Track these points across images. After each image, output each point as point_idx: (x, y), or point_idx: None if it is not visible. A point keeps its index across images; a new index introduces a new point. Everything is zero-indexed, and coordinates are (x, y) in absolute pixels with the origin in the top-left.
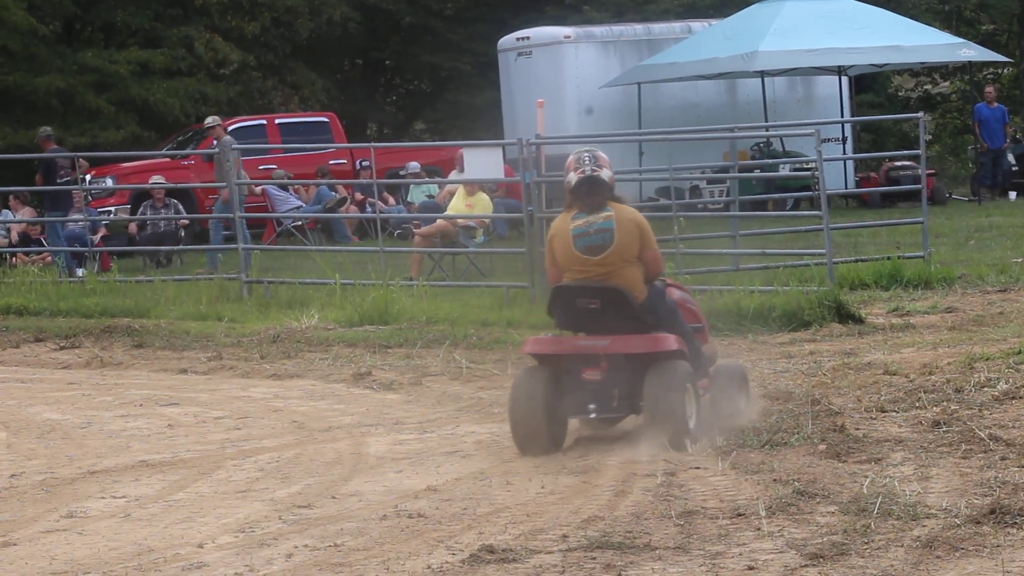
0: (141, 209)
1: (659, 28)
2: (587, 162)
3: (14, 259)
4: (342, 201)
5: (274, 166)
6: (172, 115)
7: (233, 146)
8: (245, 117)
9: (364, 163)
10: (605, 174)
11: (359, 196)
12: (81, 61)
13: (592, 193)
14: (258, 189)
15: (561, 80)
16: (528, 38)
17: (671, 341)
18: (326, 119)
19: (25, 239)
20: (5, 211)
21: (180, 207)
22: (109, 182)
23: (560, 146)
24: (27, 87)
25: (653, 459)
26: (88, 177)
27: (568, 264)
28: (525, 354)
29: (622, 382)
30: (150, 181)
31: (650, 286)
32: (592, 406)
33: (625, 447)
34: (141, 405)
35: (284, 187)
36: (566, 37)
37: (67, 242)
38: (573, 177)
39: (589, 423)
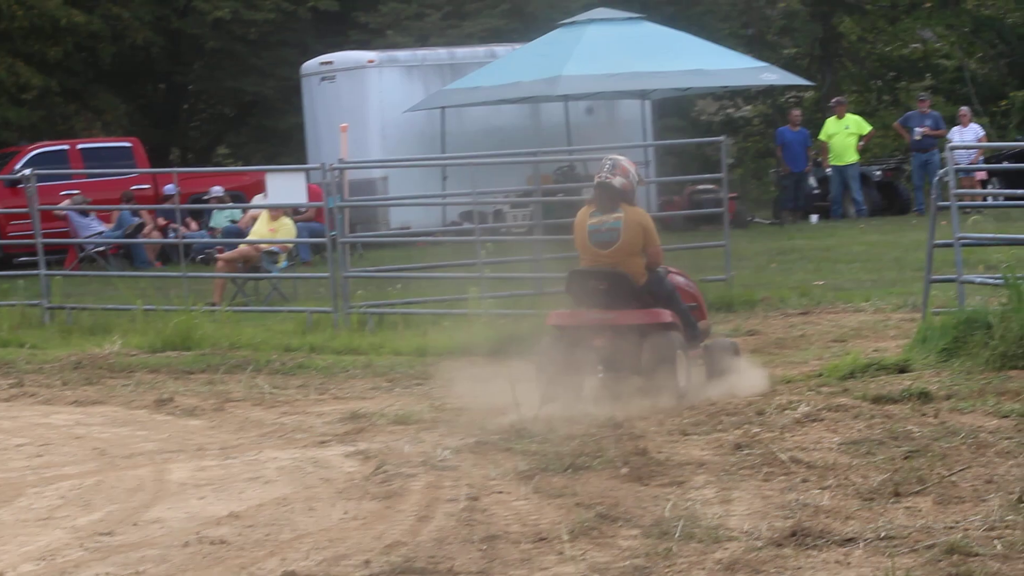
0: None
1: (463, 52)
2: (606, 168)
3: None
4: (140, 227)
5: (76, 192)
6: None
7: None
8: (47, 142)
9: (170, 189)
10: (618, 181)
11: (161, 221)
12: None
13: (603, 197)
14: (61, 214)
15: (364, 105)
16: (332, 63)
17: (665, 315)
18: (129, 144)
19: None
20: None
21: None
22: None
23: (364, 170)
24: None
25: (456, 483)
26: None
27: (583, 253)
28: (549, 324)
29: (625, 348)
30: None
31: (651, 272)
32: (600, 367)
33: (429, 472)
34: None
35: (85, 212)
36: (370, 62)
37: None
38: (595, 179)
39: (601, 382)
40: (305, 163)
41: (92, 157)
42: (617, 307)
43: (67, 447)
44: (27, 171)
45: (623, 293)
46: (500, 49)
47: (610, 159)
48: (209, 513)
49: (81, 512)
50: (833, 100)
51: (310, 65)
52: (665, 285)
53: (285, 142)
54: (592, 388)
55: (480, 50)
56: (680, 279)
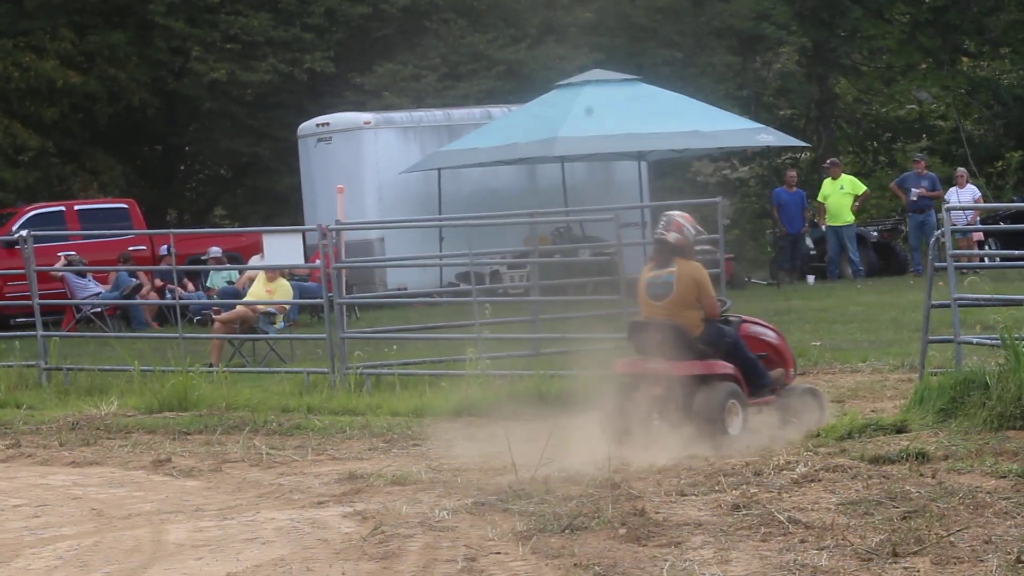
0: None
1: (459, 114)
2: (661, 225)
3: None
4: (137, 288)
5: (73, 252)
6: None
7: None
8: (44, 204)
9: (166, 250)
10: (672, 237)
11: (159, 282)
12: None
13: (659, 252)
14: (57, 275)
15: (361, 166)
16: (328, 124)
17: (719, 366)
18: (125, 205)
19: None
20: None
21: None
22: None
23: (360, 232)
24: None
25: (453, 544)
26: None
27: (642, 306)
28: (614, 372)
29: (679, 397)
30: None
31: (709, 324)
32: (656, 415)
33: (427, 533)
34: None
35: (82, 273)
36: (366, 123)
37: None
38: (653, 236)
39: (656, 429)
40: (301, 224)
41: (89, 218)
42: (673, 357)
43: (64, 508)
44: (23, 232)
45: (678, 344)
46: (496, 110)
47: (665, 215)
48: (206, 574)
49: (79, 573)
50: (828, 161)
51: (306, 126)
52: (725, 336)
53: (281, 203)
54: (647, 434)
55: (476, 111)
56: (756, 328)
